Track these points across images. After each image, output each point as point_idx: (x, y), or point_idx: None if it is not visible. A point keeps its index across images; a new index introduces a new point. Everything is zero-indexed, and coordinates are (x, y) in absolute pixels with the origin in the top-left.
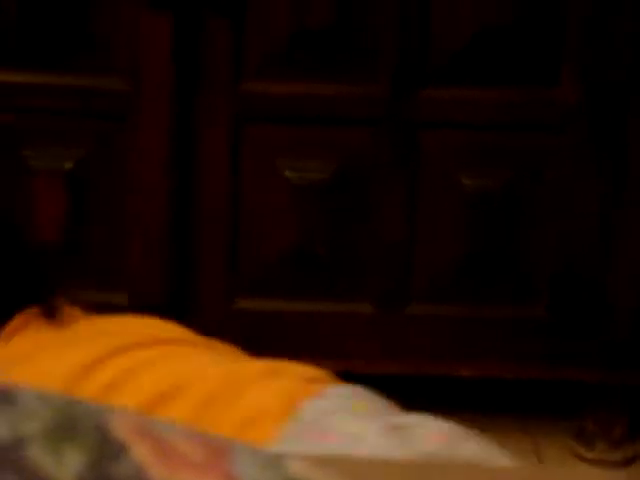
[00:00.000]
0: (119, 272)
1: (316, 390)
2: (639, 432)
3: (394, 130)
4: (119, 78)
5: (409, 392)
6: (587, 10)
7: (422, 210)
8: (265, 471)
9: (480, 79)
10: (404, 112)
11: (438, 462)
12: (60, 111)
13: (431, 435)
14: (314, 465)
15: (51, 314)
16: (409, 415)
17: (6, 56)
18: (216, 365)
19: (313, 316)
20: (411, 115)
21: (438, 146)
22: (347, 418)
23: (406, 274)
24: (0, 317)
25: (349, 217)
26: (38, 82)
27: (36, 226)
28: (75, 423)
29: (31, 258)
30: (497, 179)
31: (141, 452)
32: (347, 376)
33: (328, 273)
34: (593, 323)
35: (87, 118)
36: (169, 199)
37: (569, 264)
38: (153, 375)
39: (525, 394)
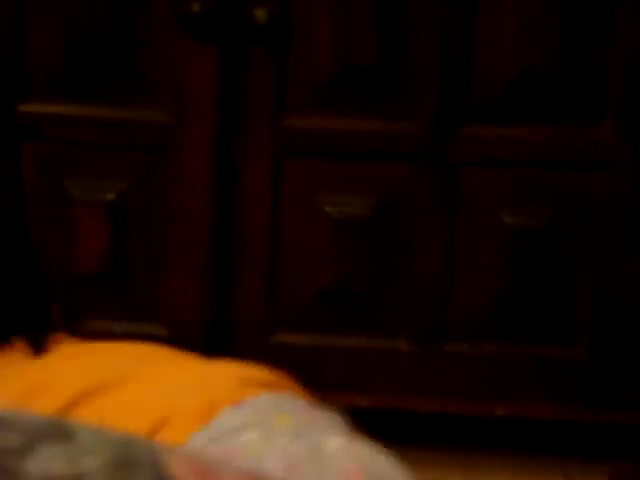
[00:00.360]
0: (159, 303)
1: (242, 396)
2: None
3: (435, 167)
4: (164, 111)
5: (443, 429)
6: (627, 54)
7: (461, 247)
8: None
9: (522, 117)
10: (445, 149)
11: None
12: (103, 143)
13: (342, 470)
14: None
15: (38, 345)
16: (335, 437)
17: (52, 88)
18: (156, 363)
19: (349, 352)
20: (452, 152)
21: (479, 183)
22: (259, 437)
23: (444, 311)
24: None
25: (388, 253)
26: (82, 114)
27: (77, 257)
28: (133, 460)
29: (31, 287)
30: (538, 217)
31: None
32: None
33: (366, 309)
34: (633, 364)
35: (130, 150)
36: (210, 231)
37: (610, 304)
38: (80, 377)
39: (561, 434)
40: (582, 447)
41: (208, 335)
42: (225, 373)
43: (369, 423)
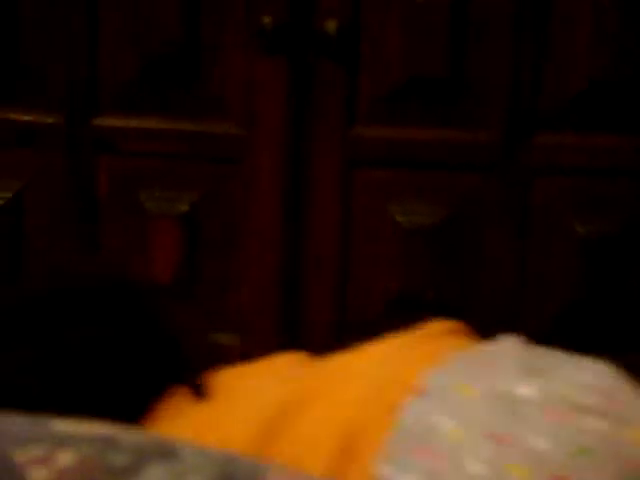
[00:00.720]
0: (231, 313)
1: (419, 380)
2: None
3: (506, 176)
4: (234, 123)
5: None
6: None
7: (533, 256)
8: None
9: (594, 125)
10: (516, 157)
11: None
12: (175, 155)
13: (543, 418)
14: None
15: (199, 393)
16: (521, 384)
17: (125, 102)
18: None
19: None
20: (523, 161)
21: (551, 192)
22: (454, 423)
23: (515, 320)
24: (144, 398)
25: (459, 263)
26: (154, 127)
27: (152, 268)
28: (235, 478)
29: (171, 336)
30: (611, 226)
31: None
32: None
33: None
34: None
35: (202, 162)
36: (281, 241)
37: None
38: (255, 412)
39: None
40: None
41: (279, 344)
42: (394, 356)
43: None
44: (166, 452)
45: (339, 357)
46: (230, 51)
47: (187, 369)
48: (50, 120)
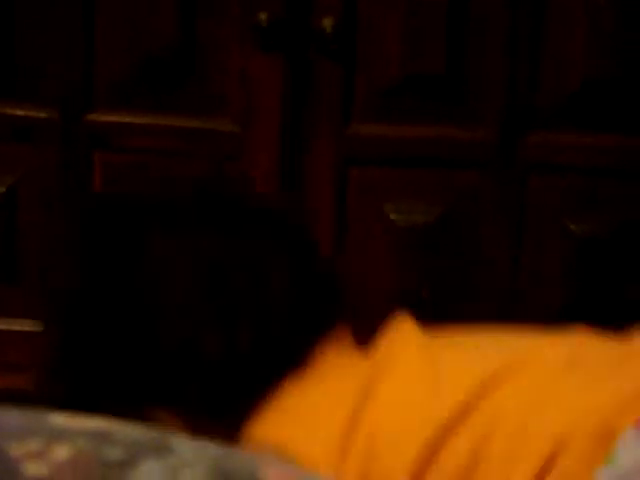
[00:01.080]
0: None
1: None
2: None
3: (501, 173)
4: (230, 119)
5: None
6: None
7: (528, 255)
8: None
9: (589, 124)
10: (512, 156)
11: None
12: (171, 151)
13: None
14: None
15: (366, 341)
16: None
17: (120, 98)
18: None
19: None
20: (519, 159)
21: (546, 191)
22: None
23: (511, 319)
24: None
25: (454, 260)
26: (149, 123)
27: None
28: (231, 473)
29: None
30: (606, 225)
31: None
32: None
33: (432, 316)
34: None
35: (197, 158)
36: None
37: None
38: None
39: None
40: None
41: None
42: (613, 371)
43: None
44: (161, 446)
45: (544, 345)
46: (226, 47)
47: (348, 310)
48: (45, 115)
